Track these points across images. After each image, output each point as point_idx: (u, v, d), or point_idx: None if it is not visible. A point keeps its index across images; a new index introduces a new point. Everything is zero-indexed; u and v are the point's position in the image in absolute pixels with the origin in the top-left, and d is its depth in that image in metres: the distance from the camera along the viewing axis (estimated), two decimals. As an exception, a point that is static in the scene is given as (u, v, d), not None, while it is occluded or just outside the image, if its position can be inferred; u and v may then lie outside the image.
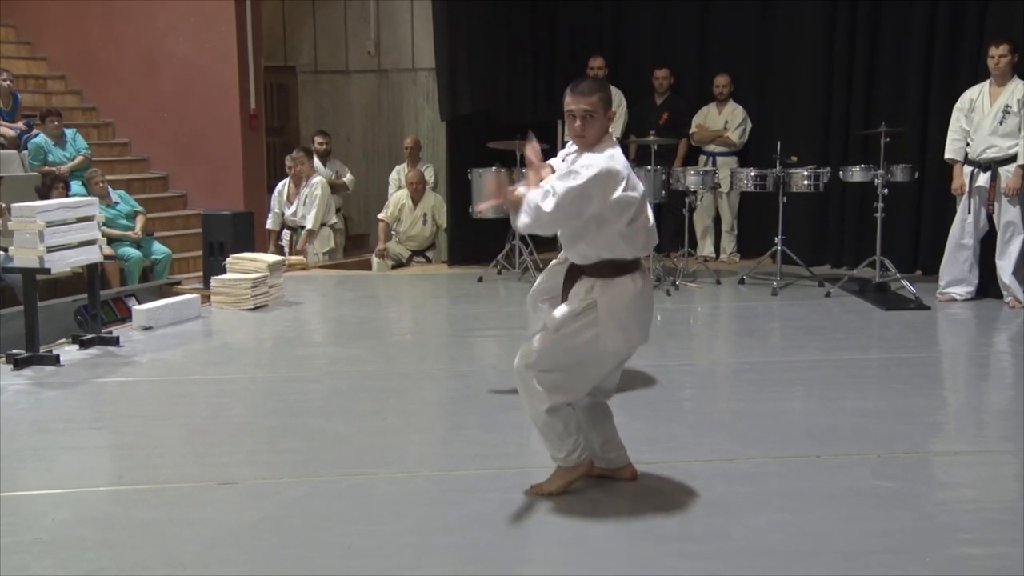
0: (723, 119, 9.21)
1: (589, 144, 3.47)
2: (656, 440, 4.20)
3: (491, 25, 9.02)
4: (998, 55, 6.93)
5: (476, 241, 9.03)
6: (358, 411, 4.78)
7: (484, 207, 3.64)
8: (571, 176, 3.34)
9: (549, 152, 10.99)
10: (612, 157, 3.41)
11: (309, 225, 9.51)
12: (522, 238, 8.35)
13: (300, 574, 3.08)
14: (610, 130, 3.59)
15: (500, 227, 8.63)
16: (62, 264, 5.86)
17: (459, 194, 8.81)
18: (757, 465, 3.69)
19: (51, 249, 5.57)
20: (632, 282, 3.45)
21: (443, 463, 4.12)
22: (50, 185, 8.48)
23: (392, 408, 4.85)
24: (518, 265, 8.43)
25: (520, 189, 3.42)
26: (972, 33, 7.90)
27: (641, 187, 3.48)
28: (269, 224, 9.86)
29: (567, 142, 10.31)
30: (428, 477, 3.92)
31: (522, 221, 3.35)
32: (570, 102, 3.46)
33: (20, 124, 9.85)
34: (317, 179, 9.60)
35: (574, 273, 3.52)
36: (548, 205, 3.29)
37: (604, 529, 3.34)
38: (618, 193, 3.35)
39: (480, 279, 8.37)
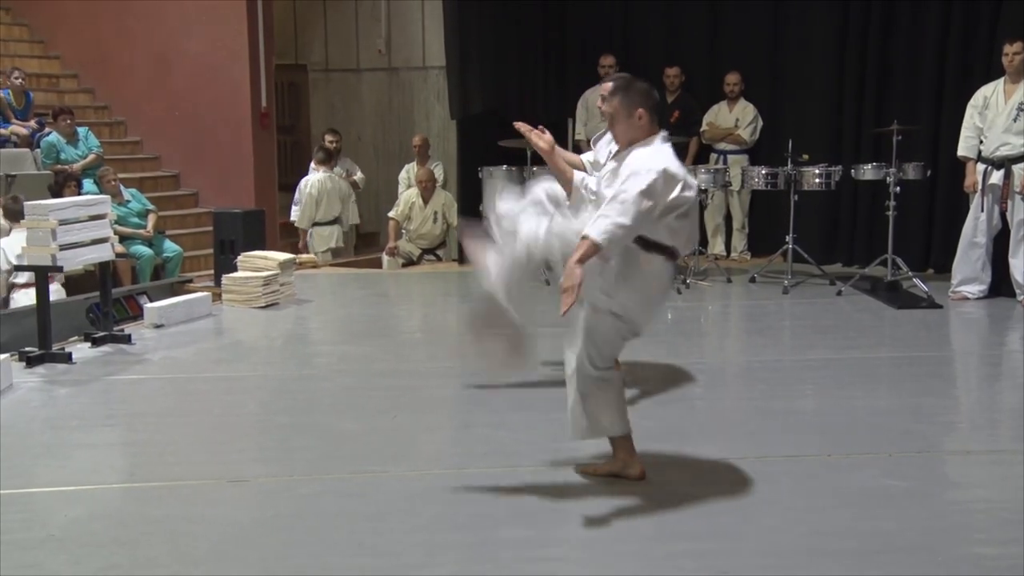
0: (734, 117, 9.19)
1: (622, 143, 3.47)
2: (666, 438, 4.20)
3: (502, 23, 9.03)
4: (1012, 52, 6.91)
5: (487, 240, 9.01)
6: (369, 409, 4.79)
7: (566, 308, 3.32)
8: (633, 178, 3.25)
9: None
10: (666, 157, 3.36)
11: (296, 223, 9.72)
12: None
13: (311, 572, 3.09)
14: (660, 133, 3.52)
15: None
16: (74, 262, 5.88)
17: (470, 192, 8.81)
18: (768, 464, 3.69)
19: (63, 247, 5.59)
20: (661, 262, 3.41)
21: (453, 461, 4.13)
22: (63, 183, 8.51)
23: (403, 406, 4.86)
24: (528, 263, 8.41)
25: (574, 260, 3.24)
26: (985, 31, 7.87)
27: (694, 184, 3.43)
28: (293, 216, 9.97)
29: (578, 140, 10.29)
30: (438, 475, 3.93)
31: (610, 240, 3.20)
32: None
33: (32, 123, 9.90)
34: (309, 178, 9.73)
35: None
36: (626, 218, 3.20)
37: (613, 528, 3.33)
38: (675, 194, 3.32)
39: (491, 277, 8.35)
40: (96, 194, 8.08)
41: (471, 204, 8.74)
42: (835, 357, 5.75)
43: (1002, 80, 7.06)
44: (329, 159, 9.95)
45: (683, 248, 3.48)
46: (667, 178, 3.29)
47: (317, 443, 4.28)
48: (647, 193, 3.23)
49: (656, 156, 3.35)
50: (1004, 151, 6.99)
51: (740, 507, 3.47)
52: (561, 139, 9.48)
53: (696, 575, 3.04)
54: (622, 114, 3.44)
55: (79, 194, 8.15)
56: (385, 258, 9.72)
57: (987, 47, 7.75)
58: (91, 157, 9.44)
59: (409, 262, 9.63)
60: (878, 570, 3.06)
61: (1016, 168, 6.95)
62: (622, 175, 3.32)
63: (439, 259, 9.70)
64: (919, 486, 3.73)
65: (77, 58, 11.44)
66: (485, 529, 3.36)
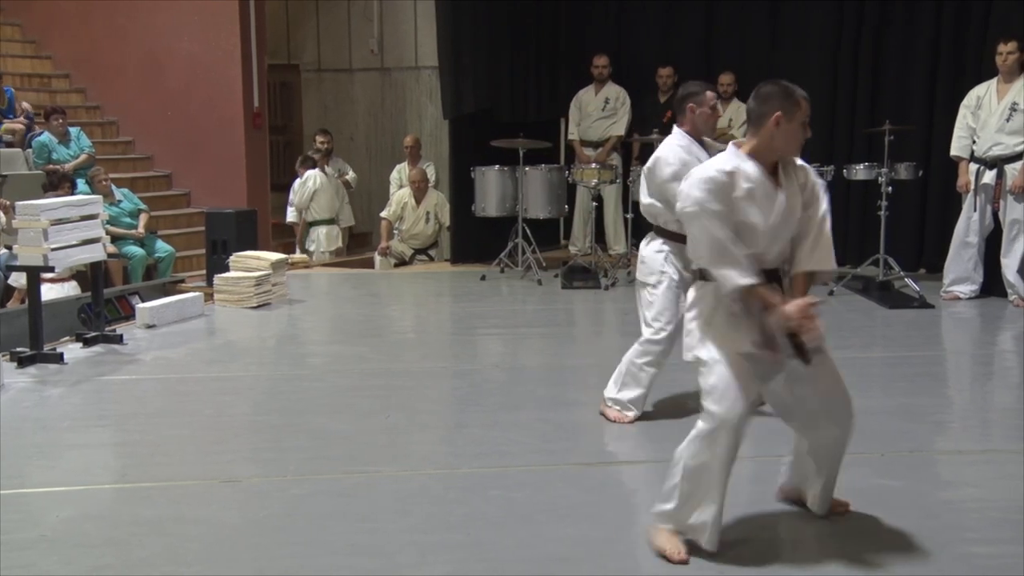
0: (727, 117, 9.19)
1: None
2: (658, 438, 4.19)
3: (494, 23, 9.02)
4: (1006, 52, 6.92)
5: (479, 239, 9.02)
6: (361, 409, 4.79)
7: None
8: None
9: (552, 152, 10.92)
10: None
11: (289, 218, 9.94)
12: (525, 236, 8.34)
13: (304, 572, 3.08)
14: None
15: (503, 225, 8.63)
16: (66, 262, 5.86)
17: (462, 192, 8.81)
18: (760, 464, 3.68)
19: (55, 247, 5.57)
20: None
21: (446, 461, 4.13)
22: (57, 184, 8.47)
23: (395, 406, 4.85)
24: (521, 263, 8.42)
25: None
26: (977, 31, 7.88)
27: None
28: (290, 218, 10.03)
29: (570, 140, 10.22)
30: (431, 475, 3.92)
31: None
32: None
33: (21, 119, 9.86)
34: (308, 173, 9.84)
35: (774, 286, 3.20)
36: None
37: (607, 528, 3.33)
38: None
39: (483, 277, 8.37)
40: (88, 194, 8.06)
41: (463, 204, 8.75)
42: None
43: (995, 80, 7.07)
44: (314, 165, 9.97)
45: None
46: None
47: (309, 443, 4.28)
48: None
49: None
50: (997, 151, 7.01)
51: (734, 508, 3.46)
52: (553, 139, 9.55)
53: (690, 574, 3.04)
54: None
55: (73, 194, 8.13)
56: (377, 258, 9.72)
57: (979, 47, 7.76)
58: (83, 157, 9.42)
59: (401, 262, 9.63)
60: (871, 570, 3.06)
61: (1008, 168, 6.97)
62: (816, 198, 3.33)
63: (431, 259, 9.70)
64: (912, 486, 3.73)
65: (69, 58, 11.40)
66: (478, 530, 3.36)
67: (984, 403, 5.13)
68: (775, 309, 3.05)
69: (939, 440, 4.42)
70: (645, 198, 4.50)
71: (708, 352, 3.14)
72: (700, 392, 3.16)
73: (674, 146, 4.39)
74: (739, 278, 3.03)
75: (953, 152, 7.27)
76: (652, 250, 4.47)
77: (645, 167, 4.56)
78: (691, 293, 3.26)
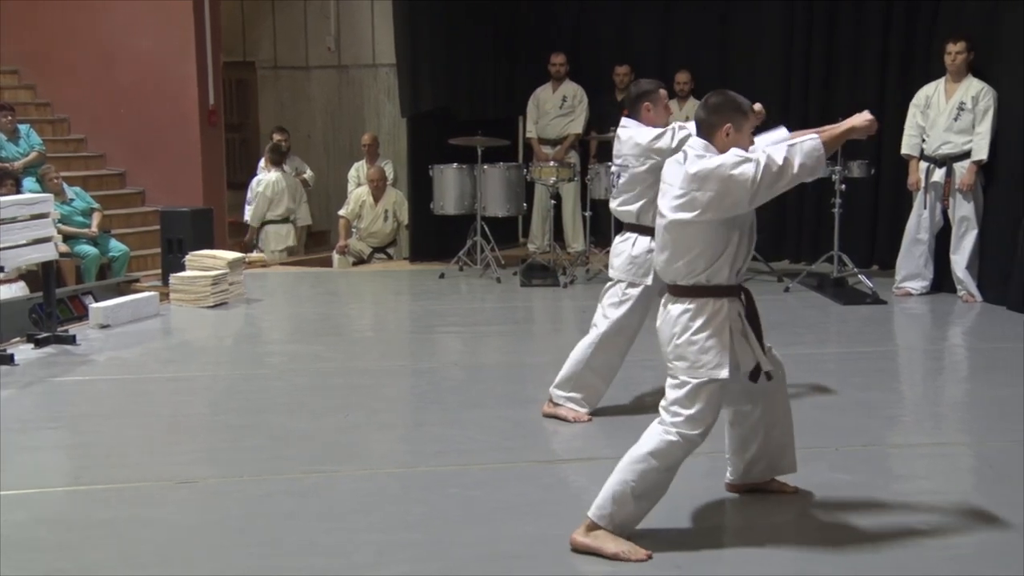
0: (684, 115, 9.24)
1: None
2: (616, 436, 4.21)
3: (452, 21, 9.01)
4: (955, 52, 7.03)
5: (438, 237, 9.01)
6: (320, 408, 4.77)
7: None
8: None
9: (510, 150, 10.91)
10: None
11: (248, 221, 9.87)
12: (483, 234, 8.34)
13: (262, 573, 3.07)
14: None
15: (462, 223, 8.63)
16: (15, 262, 5.77)
17: (420, 190, 8.79)
18: (715, 460, 3.72)
19: (3, 247, 5.47)
20: None
21: (405, 460, 4.12)
22: None
23: (354, 405, 4.84)
24: (479, 261, 8.43)
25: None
26: (925, 31, 8.01)
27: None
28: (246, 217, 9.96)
29: (528, 138, 10.16)
30: (390, 474, 3.92)
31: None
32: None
33: None
34: (261, 177, 9.82)
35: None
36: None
37: (565, 525, 3.34)
38: None
39: (442, 275, 8.36)
40: (38, 192, 7.93)
41: (422, 202, 8.73)
42: (782, 353, 5.68)
43: (943, 80, 7.19)
44: (282, 159, 9.92)
45: None
46: None
47: (267, 443, 4.25)
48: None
49: None
50: (946, 149, 7.12)
51: (688, 503, 3.49)
52: (512, 137, 9.56)
53: (647, 572, 3.06)
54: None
55: (17, 192, 7.98)
56: (336, 257, 9.67)
57: (928, 47, 7.88)
58: (33, 155, 9.26)
59: (360, 260, 9.59)
60: (825, 562, 3.10)
61: (957, 166, 7.09)
62: None
63: (390, 257, 9.66)
64: (865, 479, 3.79)
65: (18, 54, 11.17)
66: (437, 528, 3.36)
67: (935, 397, 5.22)
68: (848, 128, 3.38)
69: (892, 434, 4.49)
70: (624, 205, 4.50)
71: (702, 374, 3.15)
72: (669, 405, 3.17)
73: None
74: (811, 141, 3.35)
75: (903, 151, 7.38)
76: (641, 249, 4.35)
77: (620, 161, 4.56)
78: (697, 310, 3.21)
